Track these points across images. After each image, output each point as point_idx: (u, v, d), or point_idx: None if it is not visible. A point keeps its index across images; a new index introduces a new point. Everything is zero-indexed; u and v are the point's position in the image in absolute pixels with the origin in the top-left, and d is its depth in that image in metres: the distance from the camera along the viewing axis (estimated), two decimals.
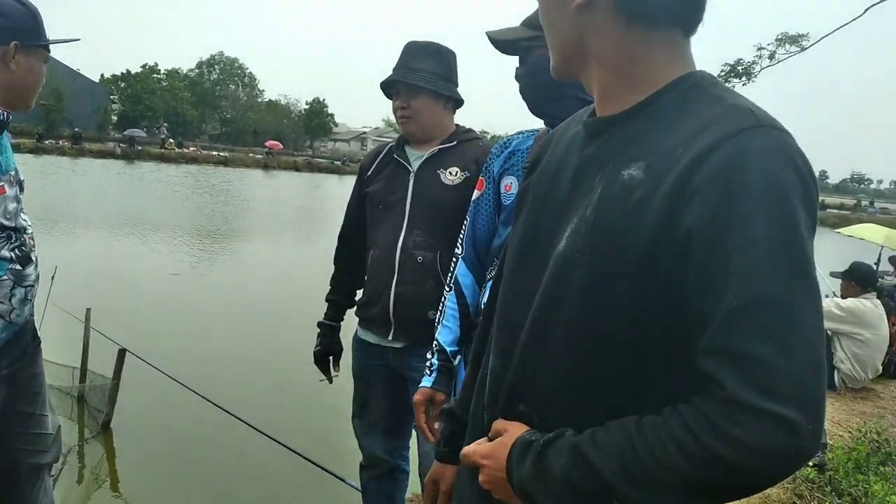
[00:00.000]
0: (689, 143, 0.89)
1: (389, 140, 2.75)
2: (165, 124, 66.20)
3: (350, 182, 2.98)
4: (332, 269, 2.77)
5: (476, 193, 2.04)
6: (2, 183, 1.95)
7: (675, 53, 1.00)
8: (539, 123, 1.99)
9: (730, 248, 0.82)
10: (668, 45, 0.99)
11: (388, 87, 2.48)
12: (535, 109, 1.88)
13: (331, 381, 2.75)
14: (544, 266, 1.03)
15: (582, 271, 0.96)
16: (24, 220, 2.07)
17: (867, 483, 3.18)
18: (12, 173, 2.02)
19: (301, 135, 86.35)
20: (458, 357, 1.96)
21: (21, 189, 2.08)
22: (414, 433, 2.72)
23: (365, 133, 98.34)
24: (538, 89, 1.81)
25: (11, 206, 1.98)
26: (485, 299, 1.88)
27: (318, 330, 2.74)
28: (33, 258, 2.06)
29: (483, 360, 1.23)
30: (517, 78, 1.87)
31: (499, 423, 1.06)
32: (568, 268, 0.98)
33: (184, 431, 5.33)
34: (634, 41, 0.98)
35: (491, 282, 1.88)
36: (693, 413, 0.83)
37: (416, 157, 2.50)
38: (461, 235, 2.02)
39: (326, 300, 2.76)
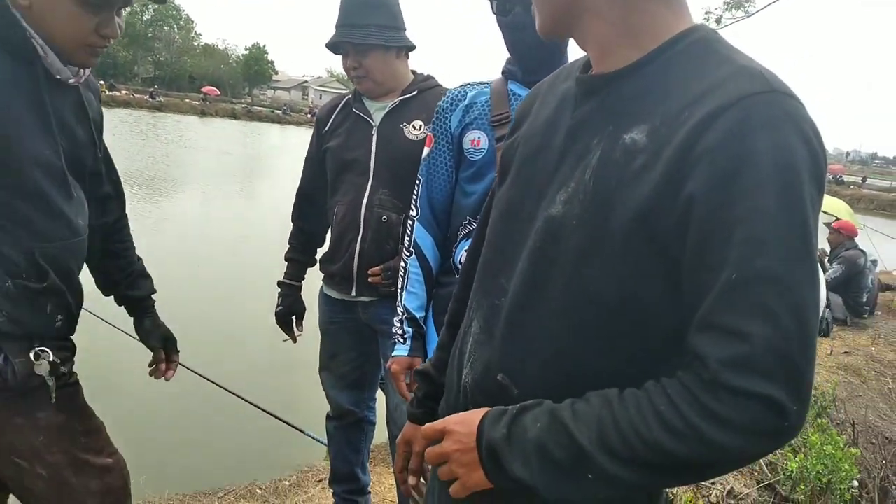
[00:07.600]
0: (696, 106, 0.83)
1: (333, 90, 2.65)
2: None
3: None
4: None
5: (426, 150, 1.94)
6: None
7: (677, 4, 0.94)
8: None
9: (734, 218, 0.78)
10: None
11: (335, 47, 2.40)
12: (532, 66, 1.76)
13: (295, 341, 2.74)
14: (532, 228, 0.98)
15: (578, 237, 0.91)
16: None
17: (805, 434, 3.37)
18: None
19: (239, 82, 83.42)
20: (427, 319, 1.95)
21: None
22: (381, 388, 2.77)
23: (306, 82, 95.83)
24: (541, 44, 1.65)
25: None
26: (458, 258, 1.90)
27: (279, 290, 2.71)
28: None
29: (463, 323, 1.16)
30: (516, 27, 1.71)
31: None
32: (562, 232, 0.93)
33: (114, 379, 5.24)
34: None
35: (466, 241, 1.87)
36: (678, 389, 0.80)
37: (376, 109, 2.42)
38: (414, 196, 1.96)
39: (286, 259, 2.73)
